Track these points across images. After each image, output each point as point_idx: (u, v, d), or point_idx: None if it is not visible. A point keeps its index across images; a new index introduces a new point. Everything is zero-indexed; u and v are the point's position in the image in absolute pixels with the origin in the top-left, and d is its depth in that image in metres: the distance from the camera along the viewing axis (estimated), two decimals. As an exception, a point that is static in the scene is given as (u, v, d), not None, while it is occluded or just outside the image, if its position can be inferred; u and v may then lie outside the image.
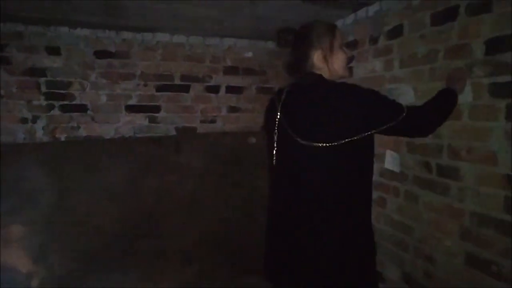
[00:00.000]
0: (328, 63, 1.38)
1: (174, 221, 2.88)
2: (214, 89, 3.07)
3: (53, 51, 2.57)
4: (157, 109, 2.90)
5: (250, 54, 3.15)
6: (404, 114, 1.25)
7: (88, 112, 2.70)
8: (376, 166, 2.23)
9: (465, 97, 1.59)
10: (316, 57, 1.37)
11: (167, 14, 2.30)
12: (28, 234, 2.50)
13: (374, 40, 2.20)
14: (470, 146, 1.58)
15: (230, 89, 3.12)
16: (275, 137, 1.41)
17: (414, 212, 1.93)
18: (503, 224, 1.45)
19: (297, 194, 1.35)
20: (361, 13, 2.27)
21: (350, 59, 1.55)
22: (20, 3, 2.05)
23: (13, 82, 2.50)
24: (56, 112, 2.62)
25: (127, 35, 2.74)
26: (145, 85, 2.84)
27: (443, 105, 1.44)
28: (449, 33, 1.66)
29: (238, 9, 2.21)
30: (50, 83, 2.59)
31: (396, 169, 2.05)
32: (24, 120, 2.54)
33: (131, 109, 2.82)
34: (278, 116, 1.40)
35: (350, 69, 2.43)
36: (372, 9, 2.17)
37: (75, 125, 2.67)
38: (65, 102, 2.63)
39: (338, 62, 1.40)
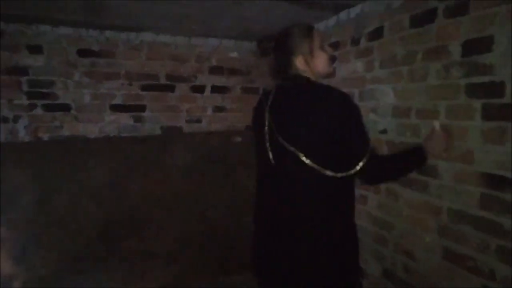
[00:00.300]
0: (310, 66, 1.41)
1: (158, 221, 2.85)
2: (200, 89, 3.04)
3: (35, 49, 2.50)
4: (142, 108, 2.86)
5: (235, 54, 3.14)
6: (366, 157, 1.27)
7: (72, 111, 2.63)
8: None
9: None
10: (298, 62, 1.41)
11: (151, 13, 2.26)
12: (10, 235, 2.43)
13: (355, 42, 2.21)
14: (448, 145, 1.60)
15: (216, 89, 3.10)
16: (263, 138, 1.42)
17: (394, 209, 1.95)
18: (479, 220, 1.47)
19: (282, 194, 1.38)
20: (343, 15, 2.28)
21: (333, 57, 1.55)
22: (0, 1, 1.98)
23: (-6, 81, 2.42)
24: (38, 111, 2.55)
25: (111, 34, 2.69)
26: (130, 85, 2.79)
27: (405, 168, 1.44)
28: (428, 35, 1.68)
29: (223, 10, 2.19)
30: (32, 82, 2.52)
31: (377, 167, 2.06)
32: (5, 120, 2.46)
33: (115, 108, 2.76)
34: (266, 118, 1.42)
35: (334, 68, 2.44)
36: (354, 11, 2.18)
37: (58, 124, 2.61)
38: (48, 101, 2.57)
39: (320, 63, 1.44)
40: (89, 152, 2.66)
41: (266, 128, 1.41)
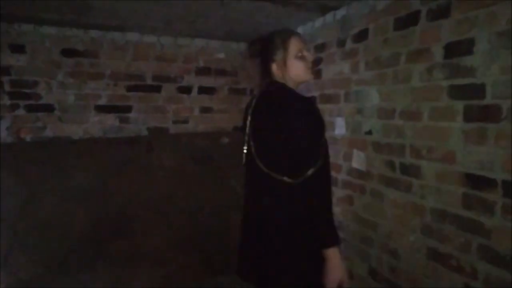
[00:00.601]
0: (284, 73, 1.47)
1: (145, 223, 2.82)
2: (187, 90, 3.02)
3: (18, 49, 2.45)
4: (128, 109, 2.82)
5: (222, 55, 3.13)
6: (311, 169, 1.28)
7: (55, 112, 2.59)
8: (344, 165, 2.26)
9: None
10: (274, 68, 1.48)
11: (137, 13, 2.24)
12: (-9, 238, 2.37)
13: (341, 43, 2.23)
14: (431, 145, 1.63)
15: (203, 90, 3.09)
16: (245, 141, 1.49)
17: (379, 209, 1.96)
18: (461, 220, 1.50)
19: (251, 198, 1.51)
20: (329, 17, 2.29)
21: (315, 63, 1.57)
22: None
23: (-25, 81, 2.36)
24: (21, 112, 2.50)
25: (96, 33, 2.65)
26: (115, 85, 2.75)
27: (322, 220, 1.33)
28: (411, 38, 1.70)
29: (209, 10, 2.18)
30: (14, 82, 2.46)
31: (363, 168, 2.08)
32: (-14, 121, 2.41)
33: (100, 109, 2.73)
34: (248, 121, 1.49)
35: (318, 72, 2.46)
36: (340, 13, 2.20)
37: (41, 125, 2.56)
38: (31, 102, 2.52)
39: (293, 70, 1.47)
40: (74, 154, 2.61)
41: (246, 131, 1.49)
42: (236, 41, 3.12)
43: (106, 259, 2.69)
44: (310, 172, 1.27)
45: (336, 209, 2.35)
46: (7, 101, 2.45)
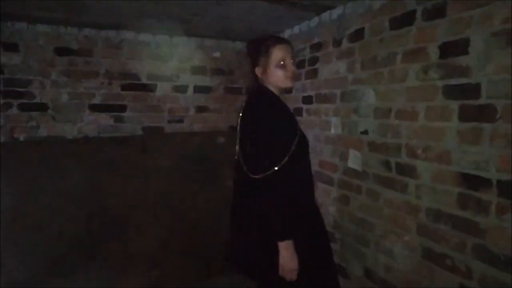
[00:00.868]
0: (265, 78, 1.62)
1: (140, 223, 2.81)
2: (182, 89, 3.01)
3: (11, 47, 2.43)
4: (122, 108, 2.81)
5: (217, 54, 3.12)
6: (269, 172, 1.44)
7: (49, 111, 2.57)
8: (340, 165, 2.27)
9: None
10: (257, 72, 1.63)
11: (132, 11, 2.23)
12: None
13: (337, 43, 2.23)
14: (426, 145, 1.63)
15: (198, 89, 3.08)
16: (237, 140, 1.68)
17: (375, 209, 1.97)
18: (456, 220, 1.50)
19: (236, 192, 1.72)
20: (325, 16, 2.30)
21: (296, 75, 1.71)
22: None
23: (-33, 80, 2.34)
24: (14, 111, 2.48)
25: (90, 32, 2.64)
26: (110, 84, 2.74)
27: (278, 215, 1.46)
28: (407, 37, 1.71)
29: (204, 9, 2.18)
30: (7, 80, 2.45)
31: (358, 167, 2.09)
32: (-21, 120, 2.39)
33: (95, 108, 2.71)
34: (239, 122, 1.67)
35: (314, 71, 2.46)
36: (336, 12, 2.20)
37: (35, 124, 2.54)
38: (24, 101, 2.50)
39: (273, 77, 1.60)
40: (68, 153, 2.60)
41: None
42: (232, 40, 3.11)
43: (100, 260, 2.68)
44: (270, 171, 1.44)
45: (332, 209, 2.36)
46: (0, 100, 2.43)
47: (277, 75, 1.59)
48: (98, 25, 2.55)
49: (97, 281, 2.66)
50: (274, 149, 1.46)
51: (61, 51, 2.57)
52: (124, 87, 2.80)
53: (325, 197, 2.44)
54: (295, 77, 1.69)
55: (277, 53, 1.57)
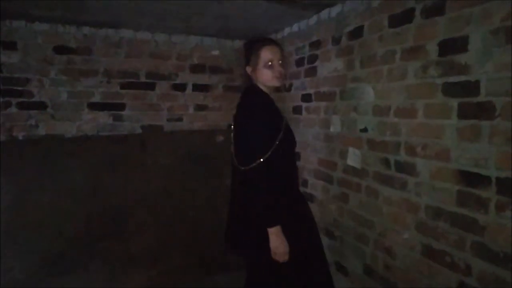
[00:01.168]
0: (254, 77, 1.75)
1: (140, 221, 2.81)
2: (181, 87, 3.01)
3: (9, 46, 2.43)
4: (121, 107, 2.81)
5: (217, 52, 3.12)
6: (255, 164, 1.57)
7: (48, 109, 2.57)
8: (339, 163, 2.27)
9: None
10: (248, 71, 1.76)
11: (131, 9, 2.22)
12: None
13: (336, 41, 2.23)
14: (425, 143, 1.63)
15: (197, 87, 3.08)
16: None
17: (375, 206, 1.97)
18: (456, 217, 1.50)
19: (232, 184, 1.83)
20: (324, 14, 2.29)
21: (284, 75, 1.82)
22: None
23: (-34, 78, 2.34)
24: (13, 109, 2.48)
25: (88, 30, 2.63)
26: (108, 82, 2.74)
27: (264, 203, 1.60)
28: (406, 35, 1.71)
29: (203, 7, 2.17)
30: (6, 79, 2.44)
31: (358, 165, 2.09)
32: (-23, 119, 2.38)
33: (94, 106, 2.71)
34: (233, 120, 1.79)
35: (313, 69, 2.46)
36: (335, 10, 2.20)
37: (34, 123, 2.53)
38: (23, 99, 2.50)
39: (261, 77, 1.73)
40: (67, 152, 2.60)
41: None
42: (231, 38, 3.11)
43: (100, 259, 2.69)
44: (256, 162, 1.57)
45: (331, 207, 2.36)
46: (-1, 99, 2.43)
47: (264, 74, 1.72)
48: (97, 23, 2.55)
49: (97, 279, 2.66)
50: (259, 143, 1.60)
51: (60, 50, 2.57)
52: (123, 86, 2.79)
53: (325, 195, 2.44)
54: (283, 77, 1.79)
55: (265, 54, 1.71)
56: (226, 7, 2.17)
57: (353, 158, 2.13)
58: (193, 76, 3.05)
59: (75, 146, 2.63)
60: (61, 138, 2.61)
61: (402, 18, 1.72)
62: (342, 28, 2.16)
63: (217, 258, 2.93)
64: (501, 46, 1.30)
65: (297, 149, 2.67)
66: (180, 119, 3.03)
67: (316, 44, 2.44)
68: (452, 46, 1.48)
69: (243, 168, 1.62)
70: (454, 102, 1.49)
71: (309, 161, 2.61)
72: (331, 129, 2.33)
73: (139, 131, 2.88)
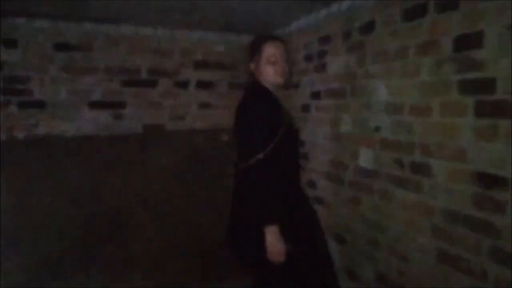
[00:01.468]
0: (258, 73, 1.83)
1: (141, 223, 2.86)
2: (184, 84, 3.05)
3: (10, 43, 2.49)
4: (122, 105, 2.86)
5: (221, 48, 3.15)
6: (253, 160, 1.63)
7: (48, 108, 2.62)
8: (350, 164, 2.29)
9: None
10: (251, 67, 1.86)
11: (131, 4, 2.26)
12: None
13: (347, 35, 2.25)
14: (441, 142, 1.65)
15: (201, 85, 3.11)
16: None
17: (388, 210, 1.99)
18: (472, 220, 1.52)
19: (234, 181, 1.89)
20: (334, 7, 2.31)
21: (288, 73, 1.91)
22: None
23: (-35, 77, 2.40)
24: (13, 109, 2.54)
25: (89, 27, 2.68)
26: (110, 80, 2.79)
27: (262, 201, 1.65)
28: (419, 30, 1.72)
29: (208, 0, 2.20)
30: (6, 78, 2.50)
31: (370, 166, 2.11)
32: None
33: (94, 105, 2.76)
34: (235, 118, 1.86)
35: (322, 65, 2.49)
36: (345, 4, 2.22)
37: (34, 122, 2.59)
38: (23, 98, 2.55)
39: (265, 73, 1.82)
40: (67, 152, 2.65)
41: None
42: (236, 33, 3.13)
43: (100, 261, 2.74)
44: (254, 160, 1.62)
45: (342, 210, 2.38)
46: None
47: (267, 70, 1.80)
48: (98, 19, 2.60)
49: (97, 282, 2.71)
50: (257, 140, 1.66)
51: (61, 47, 2.62)
52: (124, 83, 2.84)
53: (335, 197, 2.46)
54: (286, 74, 1.86)
55: (268, 50, 1.80)
56: (230, 0, 2.20)
57: (365, 158, 2.15)
58: (196, 73, 3.08)
59: (75, 146, 2.68)
60: (61, 137, 2.67)
61: (415, 12, 1.74)
62: (353, 23, 2.18)
63: (219, 261, 2.96)
64: (518, 42, 1.32)
65: (305, 149, 2.75)
66: (182, 118, 3.07)
67: (325, 39, 2.47)
68: (467, 41, 1.50)
69: (242, 165, 1.68)
70: (470, 100, 1.50)
71: (318, 162, 2.64)
72: (342, 128, 2.35)
73: (141, 130, 2.92)
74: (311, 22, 2.59)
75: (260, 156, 1.62)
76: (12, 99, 2.52)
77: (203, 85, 3.12)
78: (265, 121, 1.67)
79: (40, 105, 2.60)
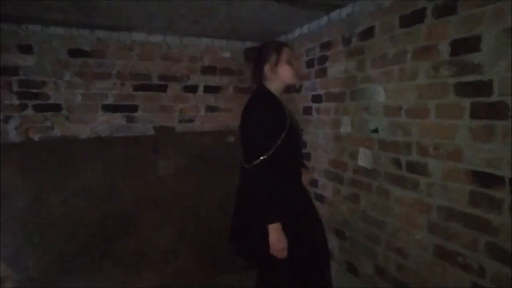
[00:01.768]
0: (275, 74, 1.78)
1: (152, 221, 2.84)
2: (192, 89, 3.04)
3: (25, 49, 2.48)
4: (134, 108, 2.84)
5: (227, 54, 3.14)
6: (257, 161, 1.61)
7: (63, 111, 2.61)
8: (350, 163, 2.26)
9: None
10: (266, 69, 1.77)
11: (142, 13, 2.25)
12: (2, 236, 2.41)
13: (346, 41, 2.22)
14: (437, 143, 1.62)
15: (208, 89, 3.10)
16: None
17: (386, 207, 1.96)
18: (468, 217, 1.49)
19: (239, 181, 1.85)
20: (334, 15, 2.29)
21: (296, 72, 1.91)
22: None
23: (-17, 81, 2.39)
24: (29, 111, 2.53)
25: (102, 34, 2.67)
26: (122, 85, 2.77)
27: (265, 200, 1.63)
28: (417, 35, 1.69)
29: (215, 10, 2.19)
30: (22, 82, 2.49)
31: (369, 166, 2.08)
32: (-5, 121, 2.44)
33: (107, 108, 2.75)
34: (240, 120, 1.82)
35: (323, 70, 2.46)
36: (345, 11, 2.19)
37: (49, 125, 2.58)
38: (39, 102, 2.55)
39: (283, 73, 1.78)
40: (81, 153, 2.64)
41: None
42: (242, 40, 3.12)
43: (113, 258, 2.72)
44: (258, 160, 1.60)
45: (342, 207, 2.35)
46: (15, 101, 2.48)
47: (287, 70, 1.78)
48: (110, 27, 2.59)
49: (110, 279, 2.69)
50: (262, 141, 1.64)
51: (75, 53, 2.61)
52: (136, 88, 2.83)
53: (335, 195, 2.43)
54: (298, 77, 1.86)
55: (287, 52, 1.79)
56: (236, 9, 2.18)
57: (364, 158, 2.12)
58: (204, 78, 3.07)
59: (89, 147, 2.67)
60: (75, 139, 2.66)
61: (413, 18, 1.71)
62: (353, 29, 2.15)
63: (228, 258, 2.93)
64: (515, 45, 1.28)
65: (307, 150, 2.72)
66: (191, 120, 3.06)
67: (326, 45, 2.44)
68: (464, 45, 1.47)
69: (246, 165, 1.66)
70: (466, 102, 1.47)
71: (319, 161, 2.61)
72: (342, 130, 2.32)
73: (152, 132, 2.91)
74: (312, 29, 2.57)
75: (264, 156, 1.61)
76: (28, 102, 2.51)
77: (210, 89, 3.11)
78: (269, 123, 1.66)
79: (55, 108, 2.59)
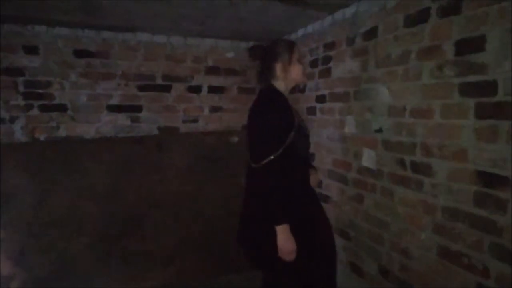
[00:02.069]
0: (286, 73, 1.73)
1: (157, 221, 2.85)
2: (196, 89, 3.05)
3: (31, 50, 2.51)
4: (139, 109, 2.86)
5: (231, 55, 3.14)
6: (265, 161, 1.57)
7: (68, 112, 2.64)
8: (354, 164, 2.26)
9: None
10: (278, 68, 1.72)
11: (147, 14, 2.27)
12: (8, 236, 2.43)
13: (350, 41, 2.22)
14: (442, 143, 1.61)
15: (212, 89, 3.11)
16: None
17: (390, 207, 1.96)
18: (473, 218, 1.49)
19: (246, 180, 1.82)
20: (338, 15, 2.29)
21: (304, 70, 1.86)
22: (-5, 1, 1.98)
23: (-10, 82, 2.42)
24: (35, 112, 2.55)
25: (107, 34, 2.69)
26: (126, 85, 2.79)
27: (273, 200, 1.60)
28: (421, 35, 1.69)
29: (218, 10, 2.20)
30: (28, 82, 2.52)
31: (373, 166, 2.08)
32: (2, 121, 2.47)
33: (112, 108, 2.77)
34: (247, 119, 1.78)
35: (327, 70, 2.47)
36: (349, 11, 2.19)
37: (55, 125, 2.61)
38: (44, 102, 2.57)
39: (295, 72, 1.75)
40: (86, 153, 2.65)
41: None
42: (245, 41, 3.13)
43: (118, 257, 2.73)
44: (267, 160, 1.57)
45: (346, 208, 2.35)
46: (21, 102, 2.51)
47: (298, 69, 1.75)
48: (115, 27, 2.60)
49: (115, 278, 2.71)
50: (270, 141, 1.61)
51: (80, 53, 2.63)
52: (140, 88, 2.85)
53: (340, 196, 2.43)
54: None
55: (298, 51, 1.77)
56: (240, 10, 2.19)
57: (368, 159, 2.12)
58: (208, 78, 3.08)
59: (94, 147, 2.69)
60: (80, 139, 2.68)
61: (417, 18, 1.71)
62: (357, 29, 2.15)
63: (232, 258, 2.94)
64: (519, 45, 1.28)
65: (311, 150, 2.71)
66: (195, 121, 3.07)
67: (330, 45, 2.44)
68: (469, 45, 1.47)
69: (254, 165, 1.63)
70: (471, 102, 1.47)
71: (323, 162, 2.61)
72: (346, 130, 2.32)
73: (156, 132, 2.93)
74: (316, 29, 2.57)
75: (272, 157, 1.58)
76: (33, 102, 2.54)
77: (214, 89, 3.12)
78: (278, 123, 1.63)
79: (61, 108, 2.61)
